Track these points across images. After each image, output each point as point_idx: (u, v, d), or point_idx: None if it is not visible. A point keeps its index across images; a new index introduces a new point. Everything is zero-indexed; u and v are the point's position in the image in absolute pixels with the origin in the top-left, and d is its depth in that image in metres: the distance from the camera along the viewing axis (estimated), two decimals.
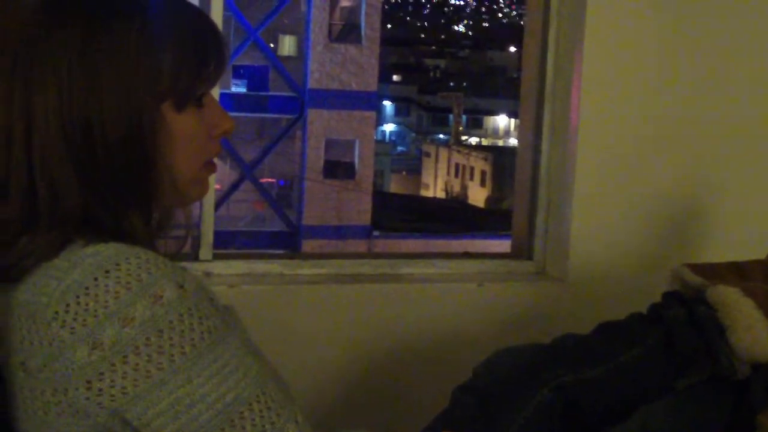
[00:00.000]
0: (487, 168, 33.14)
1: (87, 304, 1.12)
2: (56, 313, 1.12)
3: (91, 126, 1.18)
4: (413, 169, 38.04)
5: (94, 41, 1.18)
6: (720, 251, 2.83)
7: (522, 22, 3.11)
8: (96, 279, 1.12)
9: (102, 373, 1.12)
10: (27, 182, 1.18)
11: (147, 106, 1.20)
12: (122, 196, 1.20)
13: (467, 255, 3.14)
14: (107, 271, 1.13)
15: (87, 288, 1.12)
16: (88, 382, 1.12)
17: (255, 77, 22.01)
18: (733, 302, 2.03)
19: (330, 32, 21.63)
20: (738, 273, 2.19)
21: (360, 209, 21.76)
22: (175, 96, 1.22)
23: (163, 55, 1.21)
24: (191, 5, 1.29)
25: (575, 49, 2.88)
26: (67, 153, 1.18)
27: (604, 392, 2.01)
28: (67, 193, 1.18)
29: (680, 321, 2.07)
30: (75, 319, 1.12)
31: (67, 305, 1.12)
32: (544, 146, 3.00)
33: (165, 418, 1.14)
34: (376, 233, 21.55)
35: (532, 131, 3.04)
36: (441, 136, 41.11)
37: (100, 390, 1.12)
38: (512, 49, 41.03)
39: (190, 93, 1.24)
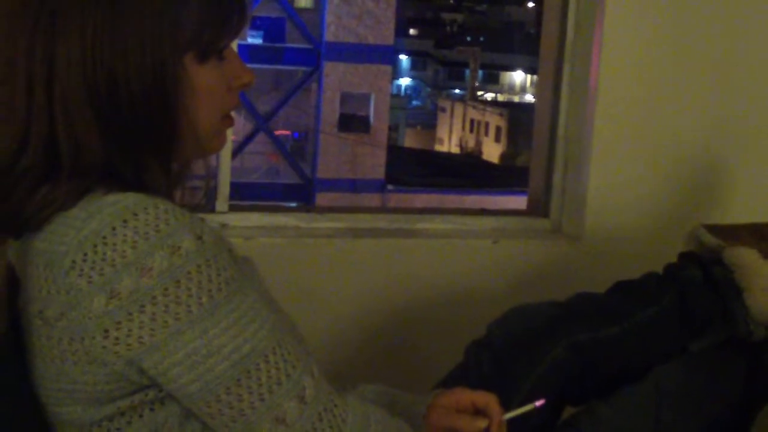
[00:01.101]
0: (503, 124, 33.01)
1: (105, 254, 1.12)
2: (74, 262, 1.13)
3: (114, 77, 1.17)
4: (428, 123, 37.86)
5: None
6: (738, 212, 2.81)
7: None
8: (114, 228, 1.12)
9: (119, 323, 1.12)
10: (48, 132, 1.18)
11: (170, 57, 1.19)
12: (143, 147, 1.20)
13: (483, 211, 3.13)
14: (125, 221, 1.13)
15: (105, 237, 1.12)
16: (105, 331, 1.13)
17: (271, 29, 21.87)
18: (750, 264, 2.02)
19: None
20: (756, 235, 2.17)
21: (374, 163, 21.74)
22: (198, 48, 1.22)
23: (187, 8, 1.21)
24: None
25: (597, 7, 2.85)
26: (88, 103, 1.17)
27: (618, 351, 2.01)
28: (88, 143, 1.18)
29: (696, 282, 2.06)
30: (92, 269, 1.12)
31: (85, 254, 1.12)
32: (563, 104, 2.98)
33: (181, 368, 1.14)
34: (389, 187, 21.54)
35: (550, 89, 3.02)
36: (457, 91, 40.91)
37: (117, 339, 1.13)
38: (530, 4, 40.71)
39: (213, 45, 1.24)
